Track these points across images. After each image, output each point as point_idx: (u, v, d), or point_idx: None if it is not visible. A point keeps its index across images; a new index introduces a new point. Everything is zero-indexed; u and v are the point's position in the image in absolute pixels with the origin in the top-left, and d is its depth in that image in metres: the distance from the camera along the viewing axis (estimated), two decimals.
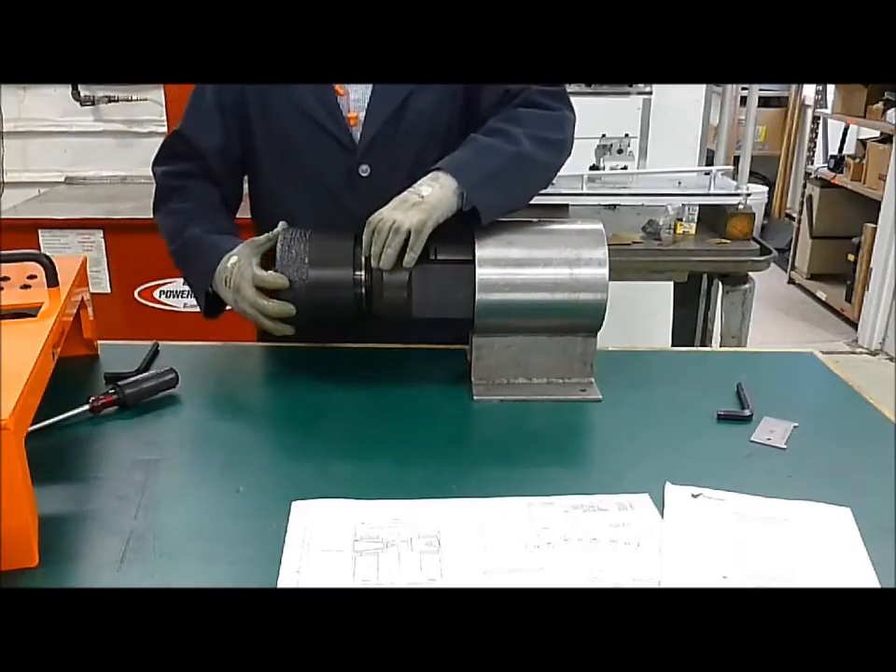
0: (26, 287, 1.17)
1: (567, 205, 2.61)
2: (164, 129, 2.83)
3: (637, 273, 2.56)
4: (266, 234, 1.26)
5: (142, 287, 2.63)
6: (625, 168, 2.71)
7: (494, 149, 1.24)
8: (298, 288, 1.19)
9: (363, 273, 1.21)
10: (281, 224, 1.25)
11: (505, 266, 1.21)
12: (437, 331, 1.36)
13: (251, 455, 1.07)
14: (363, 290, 1.21)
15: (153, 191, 1.43)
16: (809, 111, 5.71)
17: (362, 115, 1.33)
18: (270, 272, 1.21)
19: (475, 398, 1.23)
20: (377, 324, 1.28)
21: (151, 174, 1.43)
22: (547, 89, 1.33)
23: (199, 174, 1.39)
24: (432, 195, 1.18)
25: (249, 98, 1.35)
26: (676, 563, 0.85)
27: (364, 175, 1.34)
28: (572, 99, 1.37)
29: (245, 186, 1.49)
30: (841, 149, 5.24)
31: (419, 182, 1.21)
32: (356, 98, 1.33)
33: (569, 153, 1.36)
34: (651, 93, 2.70)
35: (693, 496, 0.96)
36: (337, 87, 1.33)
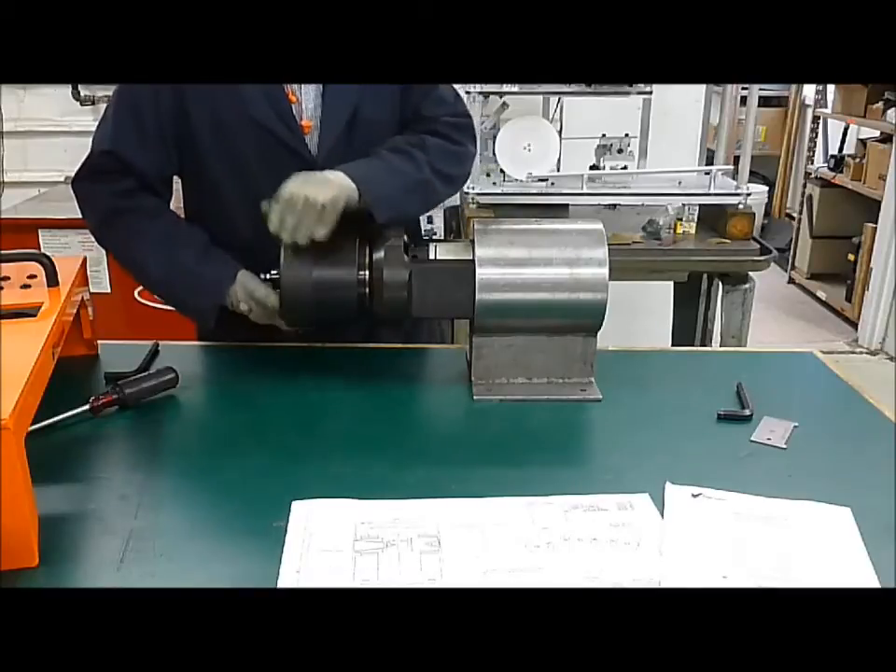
0: (26, 286, 1.17)
1: (567, 205, 2.61)
2: None
3: (637, 273, 2.56)
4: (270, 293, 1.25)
5: (142, 286, 2.63)
6: (625, 168, 2.71)
7: (399, 172, 1.29)
8: (302, 288, 1.19)
9: (366, 272, 1.21)
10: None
11: (505, 266, 1.21)
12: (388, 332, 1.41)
13: (251, 454, 1.06)
14: (366, 290, 1.21)
15: (89, 210, 1.35)
16: (809, 111, 5.70)
17: (314, 123, 1.32)
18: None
19: (475, 398, 1.23)
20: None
21: (73, 191, 1.35)
22: (454, 121, 1.39)
23: (141, 189, 1.33)
24: (338, 178, 1.21)
25: (192, 111, 1.29)
26: (676, 563, 0.85)
27: None
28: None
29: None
30: (841, 149, 5.24)
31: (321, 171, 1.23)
32: (307, 106, 1.32)
33: (462, 185, 1.43)
34: (651, 93, 2.69)
35: (693, 495, 0.96)
36: (290, 94, 1.30)
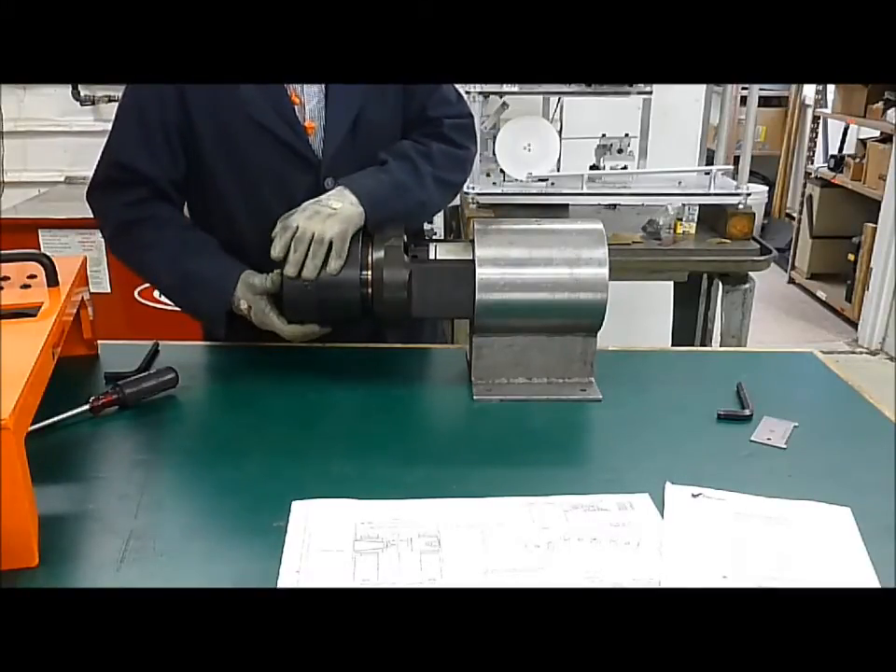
0: (26, 286, 1.17)
1: (567, 205, 2.61)
2: None
3: (637, 273, 2.56)
4: (267, 279, 1.25)
5: (142, 286, 2.63)
6: (625, 168, 2.71)
7: (405, 191, 1.31)
8: (305, 287, 1.19)
9: (369, 272, 1.21)
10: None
11: (505, 266, 1.21)
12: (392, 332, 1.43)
13: (251, 454, 1.06)
14: (369, 290, 1.21)
15: (102, 222, 1.36)
16: (809, 111, 5.71)
17: (317, 124, 1.32)
18: (293, 325, 1.26)
19: (475, 398, 1.23)
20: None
21: (88, 203, 1.36)
22: (459, 122, 1.41)
23: (153, 197, 1.33)
24: (344, 209, 1.22)
25: (195, 115, 1.29)
26: (676, 563, 0.85)
27: (329, 188, 1.30)
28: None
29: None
30: (841, 149, 5.24)
31: (326, 196, 1.25)
32: (310, 108, 1.32)
33: (461, 189, 1.49)
34: (651, 93, 2.70)
35: (693, 495, 0.96)
36: (293, 95, 1.30)
